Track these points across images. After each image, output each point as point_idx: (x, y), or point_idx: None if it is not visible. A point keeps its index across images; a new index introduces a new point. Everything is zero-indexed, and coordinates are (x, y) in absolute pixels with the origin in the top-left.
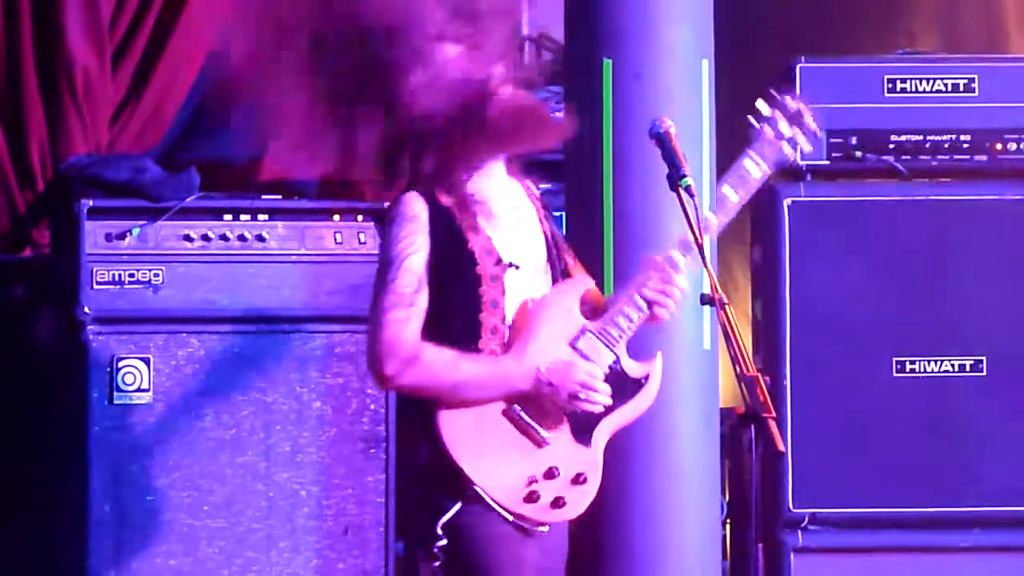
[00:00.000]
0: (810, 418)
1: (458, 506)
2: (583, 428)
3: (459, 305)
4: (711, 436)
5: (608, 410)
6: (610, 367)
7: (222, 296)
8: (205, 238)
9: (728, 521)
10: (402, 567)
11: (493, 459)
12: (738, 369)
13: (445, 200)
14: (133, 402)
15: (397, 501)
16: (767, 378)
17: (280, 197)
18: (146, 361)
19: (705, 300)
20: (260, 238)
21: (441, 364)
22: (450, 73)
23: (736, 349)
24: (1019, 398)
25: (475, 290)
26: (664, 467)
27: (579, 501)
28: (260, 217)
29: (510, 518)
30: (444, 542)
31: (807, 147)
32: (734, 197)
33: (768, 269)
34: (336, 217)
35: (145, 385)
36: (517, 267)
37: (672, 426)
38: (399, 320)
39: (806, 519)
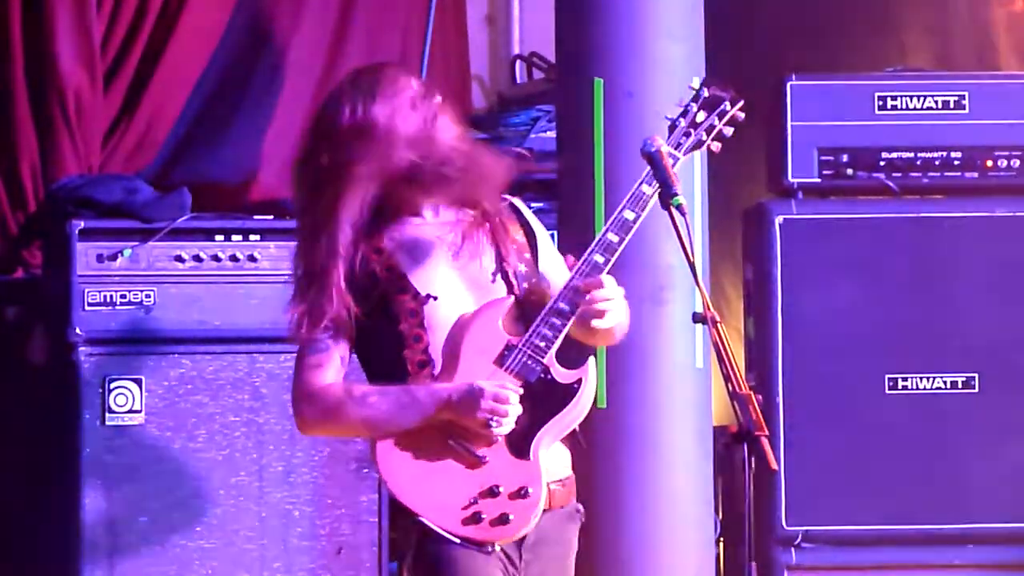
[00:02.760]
0: (803, 436)
1: (415, 541)
2: (519, 442)
3: (382, 344)
4: (704, 454)
5: (542, 421)
6: (539, 378)
7: (214, 316)
8: (197, 259)
9: (721, 539)
10: None
11: (431, 486)
12: (731, 387)
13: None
14: (125, 423)
15: (390, 520)
16: (760, 396)
17: (272, 217)
18: (138, 382)
19: (697, 318)
20: (252, 258)
21: (346, 400)
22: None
23: (728, 367)
24: (1011, 414)
25: (395, 327)
26: (657, 485)
27: (524, 514)
28: (252, 237)
29: (457, 541)
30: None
31: (727, 130)
32: (649, 191)
33: (760, 287)
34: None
35: (137, 406)
36: (436, 298)
37: (666, 444)
38: (310, 366)
39: (799, 537)
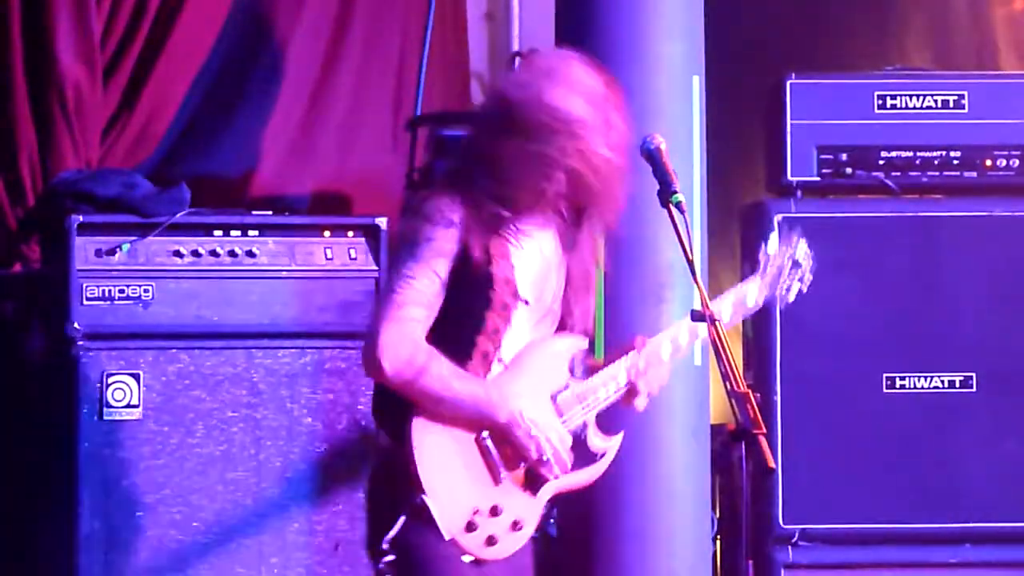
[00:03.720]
0: (800, 434)
1: (402, 520)
2: (535, 479)
3: (462, 320)
4: (702, 452)
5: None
6: (576, 430)
7: (212, 312)
8: (195, 254)
9: (718, 537)
10: None
11: (448, 477)
12: (728, 385)
13: (485, 215)
14: (123, 418)
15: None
16: (757, 394)
17: (270, 213)
18: (136, 377)
19: (696, 317)
20: (250, 254)
21: (437, 375)
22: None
23: (726, 365)
24: (1009, 414)
25: (482, 312)
26: (655, 483)
27: (510, 544)
28: (250, 233)
29: (446, 537)
30: (391, 558)
31: (791, 296)
32: (726, 317)
33: None
34: (327, 233)
35: (135, 401)
36: (527, 303)
37: (663, 442)
38: (412, 318)
39: (796, 535)
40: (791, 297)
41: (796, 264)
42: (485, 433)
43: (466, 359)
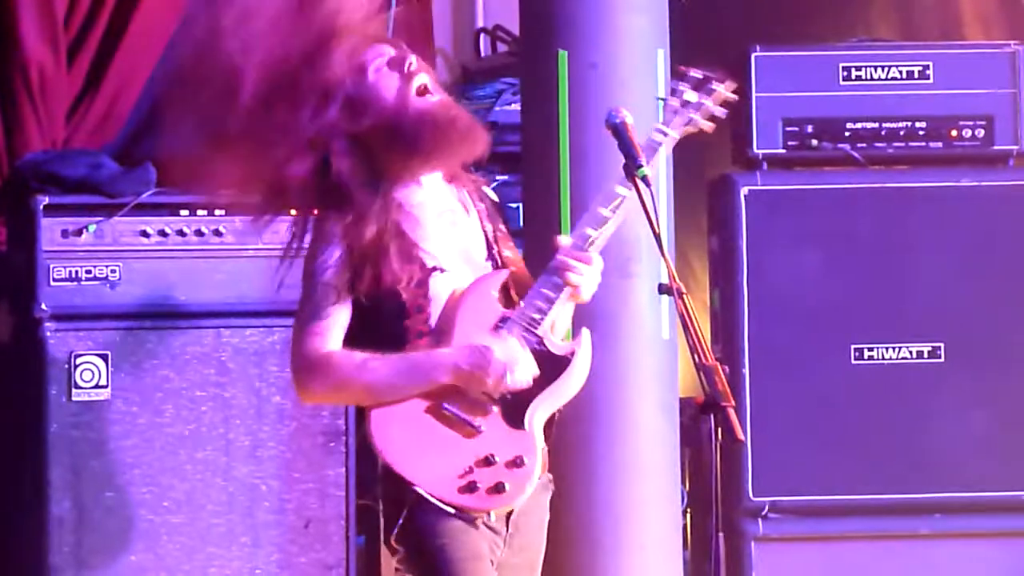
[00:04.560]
0: (769, 406)
1: (406, 512)
2: (514, 412)
3: (384, 313)
4: (671, 426)
5: (536, 391)
6: (534, 349)
7: (179, 291)
8: (162, 234)
9: (688, 510)
10: (363, 560)
11: (427, 456)
12: (697, 358)
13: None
14: (91, 399)
15: (358, 494)
16: (726, 367)
17: None
18: (104, 357)
19: (663, 290)
20: (217, 233)
21: (350, 367)
22: (368, 94)
23: (694, 338)
24: (977, 384)
25: (398, 297)
26: (624, 457)
27: (520, 483)
28: (217, 212)
29: (451, 511)
30: (402, 552)
31: (717, 110)
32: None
33: (725, 258)
34: (292, 211)
35: (103, 382)
36: (443, 270)
37: (633, 415)
38: (313, 333)
39: (766, 507)
40: (717, 110)
41: (701, 85)
42: (445, 404)
43: (404, 345)
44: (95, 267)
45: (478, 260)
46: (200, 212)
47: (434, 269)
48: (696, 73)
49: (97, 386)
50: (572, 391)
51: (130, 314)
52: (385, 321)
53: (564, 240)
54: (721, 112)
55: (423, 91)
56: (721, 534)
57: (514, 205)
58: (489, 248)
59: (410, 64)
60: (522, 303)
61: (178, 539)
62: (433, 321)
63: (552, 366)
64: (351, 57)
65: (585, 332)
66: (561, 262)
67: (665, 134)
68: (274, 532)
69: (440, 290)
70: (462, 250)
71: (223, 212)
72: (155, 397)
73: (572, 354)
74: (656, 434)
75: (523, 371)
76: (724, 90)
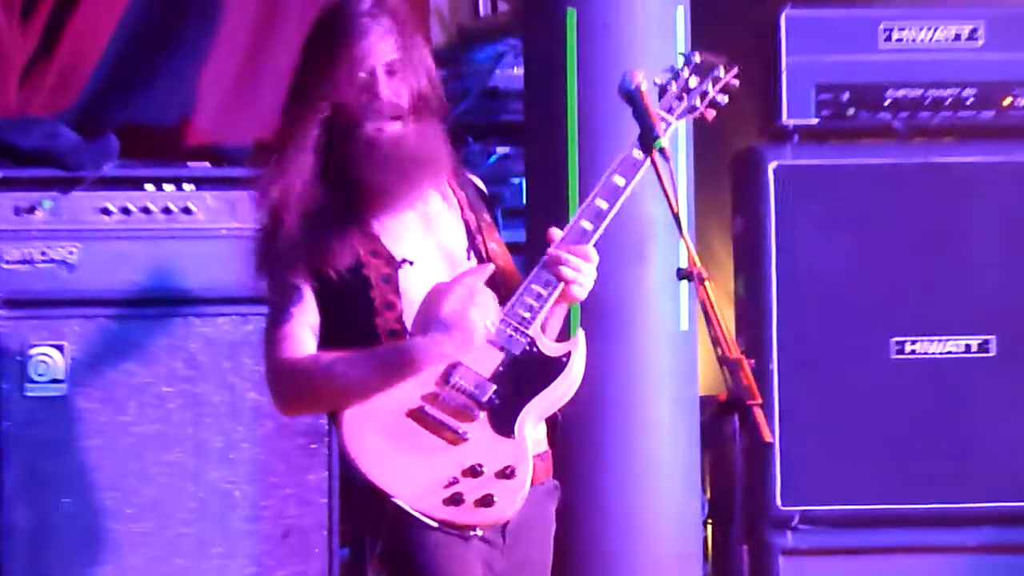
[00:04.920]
0: (800, 405)
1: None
2: (503, 419)
3: (353, 312)
4: (690, 426)
5: (527, 396)
6: (525, 351)
7: (144, 276)
8: (125, 211)
9: (709, 521)
10: (348, 575)
11: (407, 466)
12: (719, 352)
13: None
14: (47, 394)
15: (342, 501)
16: (752, 361)
17: (208, 165)
18: (60, 348)
19: (682, 275)
20: (186, 211)
21: (316, 372)
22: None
23: (717, 329)
24: None
25: (366, 294)
26: (638, 461)
27: (509, 496)
28: (186, 187)
29: (435, 525)
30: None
31: (720, 97)
32: (640, 156)
33: (751, 241)
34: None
35: (60, 375)
36: (411, 263)
37: (647, 416)
38: (277, 340)
39: (796, 518)
40: (720, 97)
41: (701, 69)
42: (427, 407)
43: (376, 345)
44: (51, 248)
45: (457, 254)
46: (168, 187)
47: (403, 262)
48: (698, 57)
49: (53, 380)
50: (565, 397)
51: (90, 300)
52: (354, 320)
53: (556, 232)
54: (723, 99)
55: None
56: (745, 547)
57: (516, 181)
58: (471, 240)
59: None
60: (512, 300)
61: (143, 550)
62: (407, 319)
63: (544, 370)
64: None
65: (580, 333)
66: (553, 256)
67: (666, 121)
68: (249, 543)
69: (412, 286)
70: (438, 243)
71: (193, 187)
72: (118, 393)
73: (567, 356)
74: (673, 436)
75: (482, 310)
76: (728, 76)
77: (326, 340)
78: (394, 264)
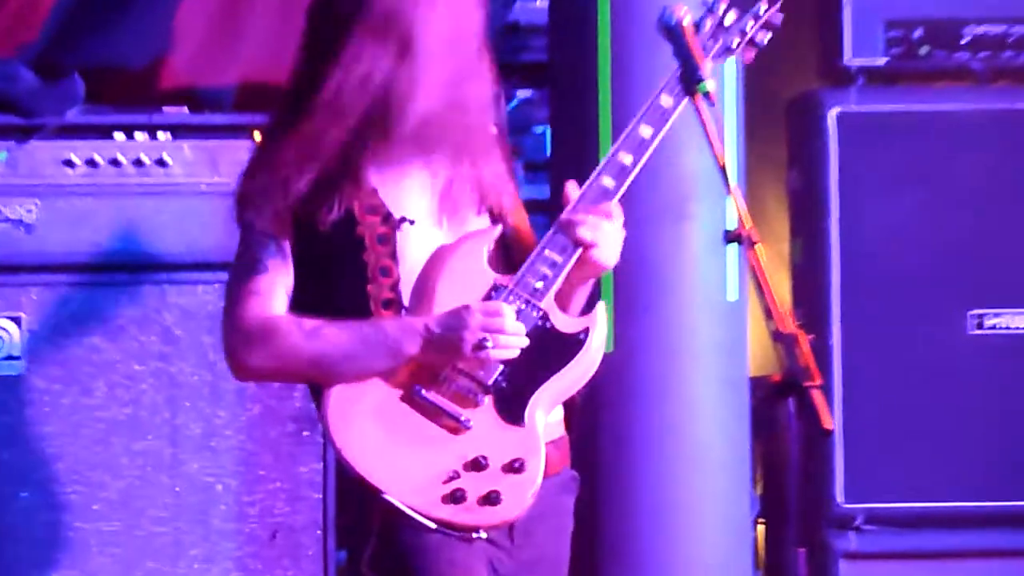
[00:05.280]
0: (864, 387)
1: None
2: (511, 404)
3: (342, 276)
4: (738, 411)
5: (539, 378)
6: (536, 326)
7: (112, 237)
8: (91, 163)
9: (761, 520)
10: None
11: (399, 456)
12: (772, 325)
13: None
14: (2, 373)
15: (338, 497)
16: (810, 336)
17: (186, 110)
18: (17, 321)
19: (730, 238)
20: (161, 163)
21: (297, 335)
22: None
23: (769, 300)
24: None
25: (358, 256)
26: (679, 451)
27: (518, 493)
28: (161, 136)
29: (432, 526)
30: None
31: (761, 35)
32: (670, 101)
33: (810, 199)
34: (257, 135)
35: (17, 352)
36: (412, 222)
37: (688, 399)
38: (248, 293)
39: (859, 517)
40: (760, 36)
41: (738, 5)
42: (423, 390)
43: (368, 317)
44: (6, 206)
45: (465, 211)
46: (140, 136)
47: (402, 220)
48: None
49: (9, 357)
50: (582, 380)
51: (50, 266)
52: (342, 287)
53: (573, 189)
54: (764, 38)
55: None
56: (802, 550)
57: (539, 129)
58: (482, 197)
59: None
60: (522, 268)
61: (112, 551)
62: (404, 287)
63: (558, 348)
64: None
65: (600, 306)
66: (570, 217)
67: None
68: (232, 544)
69: (412, 249)
70: (445, 203)
71: (169, 135)
72: (82, 372)
73: (584, 333)
74: (718, 422)
75: (510, 338)
76: (770, 12)
77: (306, 310)
78: (392, 223)
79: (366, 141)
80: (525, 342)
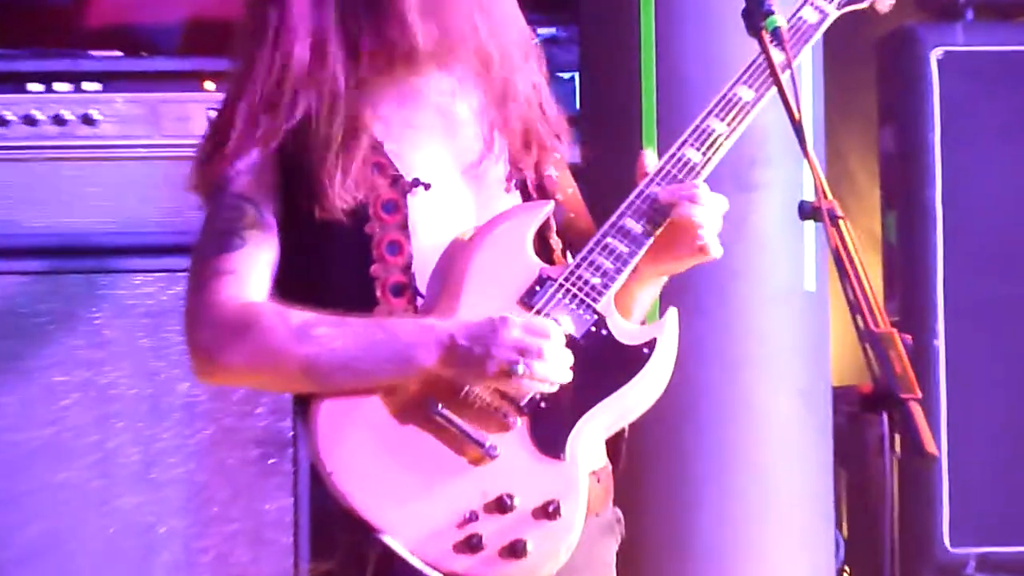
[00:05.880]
0: (976, 401)
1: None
2: (551, 431)
3: (338, 253)
4: (818, 431)
5: (589, 401)
6: (589, 332)
7: (30, 213)
8: (2, 122)
9: (846, 569)
10: None
11: (407, 490)
12: (861, 323)
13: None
14: None
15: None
16: (908, 337)
17: (120, 54)
18: None
19: (807, 212)
20: (88, 120)
21: (283, 331)
22: None
23: (857, 290)
24: None
25: (360, 227)
26: (746, 483)
27: (549, 544)
28: (88, 86)
29: None
30: None
31: None
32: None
33: (907, 163)
34: (209, 85)
35: None
36: (427, 186)
37: (758, 413)
38: (222, 272)
39: (971, 563)
40: None
41: None
42: (439, 406)
43: (372, 305)
44: None
45: (494, 182)
46: (61, 86)
47: (415, 184)
48: None
49: None
50: (643, 404)
51: None
52: (339, 267)
53: (651, 158)
54: None
55: None
56: None
57: (567, 76)
58: (517, 166)
59: None
60: (576, 258)
61: None
62: (418, 271)
63: (615, 363)
64: None
65: (671, 312)
66: (661, 192)
67: (823, 12)
68: None
69: (426, 220)
70: (467, 164)
71: (99, 86)
72: None
73: (649, 346)
74: (795, 444)
75: (549, 366)
76: None
77: (293, 297)
78: (402, 186)
79: (360, 61)
80: (567, 377)
